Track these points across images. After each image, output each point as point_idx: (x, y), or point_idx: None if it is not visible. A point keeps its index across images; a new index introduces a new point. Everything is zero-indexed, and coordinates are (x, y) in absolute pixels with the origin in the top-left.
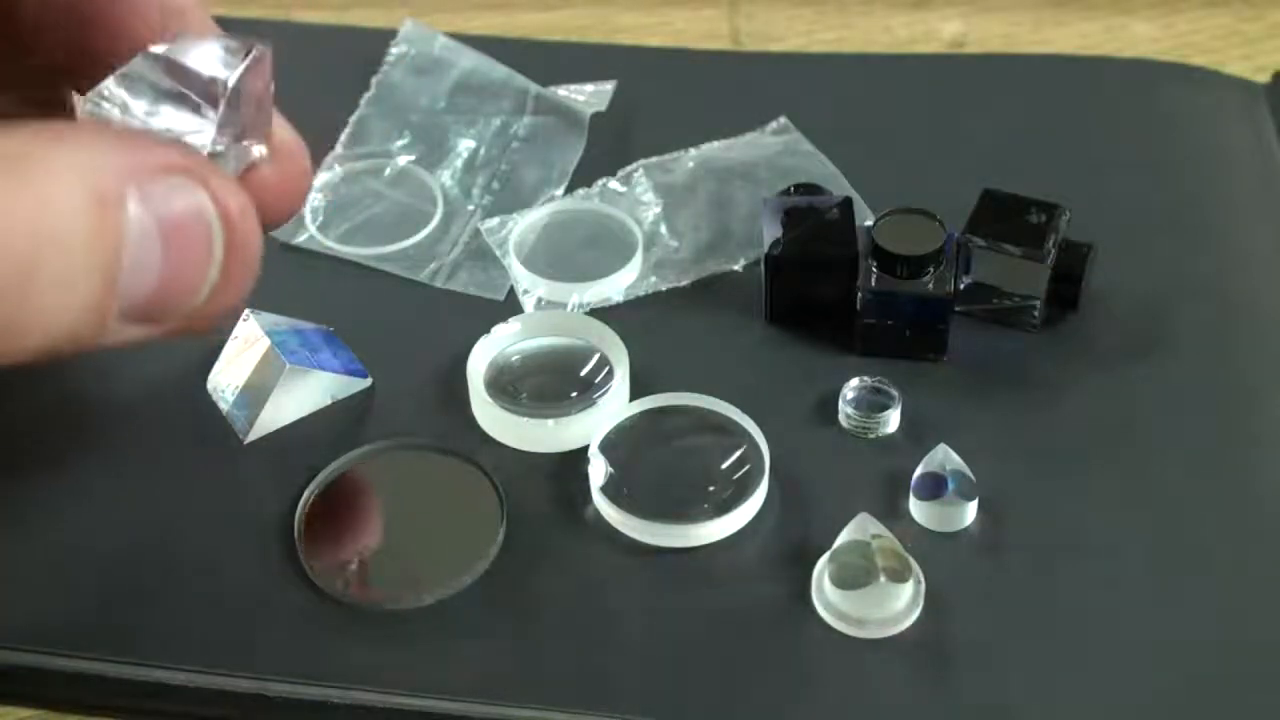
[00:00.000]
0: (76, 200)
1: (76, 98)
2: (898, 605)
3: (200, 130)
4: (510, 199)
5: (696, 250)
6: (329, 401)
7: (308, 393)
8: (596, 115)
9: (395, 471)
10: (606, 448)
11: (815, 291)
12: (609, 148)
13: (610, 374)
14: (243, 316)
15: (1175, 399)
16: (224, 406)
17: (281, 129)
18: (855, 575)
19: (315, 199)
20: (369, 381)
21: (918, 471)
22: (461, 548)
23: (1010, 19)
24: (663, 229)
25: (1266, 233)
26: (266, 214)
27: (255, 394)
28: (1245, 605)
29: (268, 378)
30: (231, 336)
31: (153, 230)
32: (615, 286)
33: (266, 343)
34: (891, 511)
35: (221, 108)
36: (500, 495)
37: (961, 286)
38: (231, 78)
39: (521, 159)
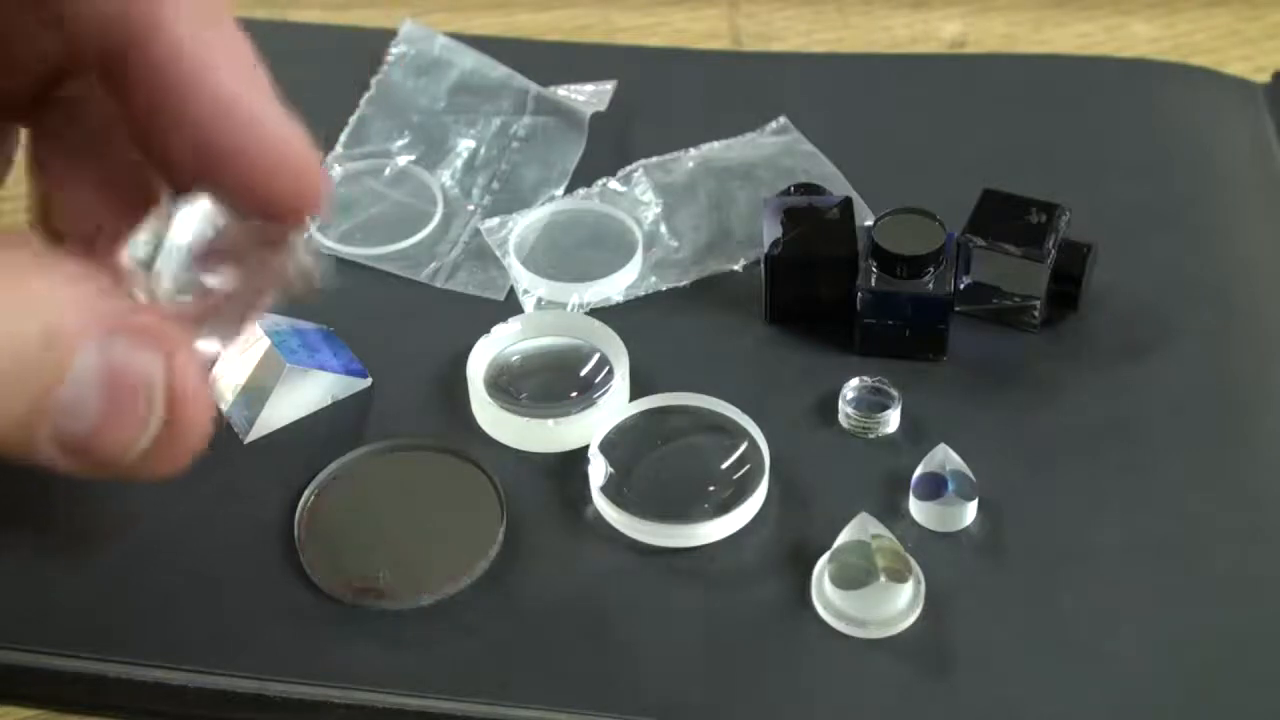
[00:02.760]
0: (28, 331)
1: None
2: (898, 605)
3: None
4: (510, 199)
5: (696, 250)
6: (329, 401)
7: (308, 393)
8: (596, 115)
9: (395, 471)
10: (606, 448)
11: (815, 291)
12: (609, 148)
13: (610, 374)
14: None
15: (1175, 399)
16: (224, 406)
17: (286, 138)
18: (855, 575)
19: None
20: (369, 381)
21: (918, 471)
22: (462, 548)
23: (1010, 19)
24: (663, 229)
25: (1266, 233)
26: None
27: (255, 394)
28: (1245, 605)
29: (268, 378)
30: None
31: (94, 379)
32: (615, 286)
33: (266, 343)
34: (891, 511)
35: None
36: (500, 495)
37: (961, 286)
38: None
39: (521, 159)
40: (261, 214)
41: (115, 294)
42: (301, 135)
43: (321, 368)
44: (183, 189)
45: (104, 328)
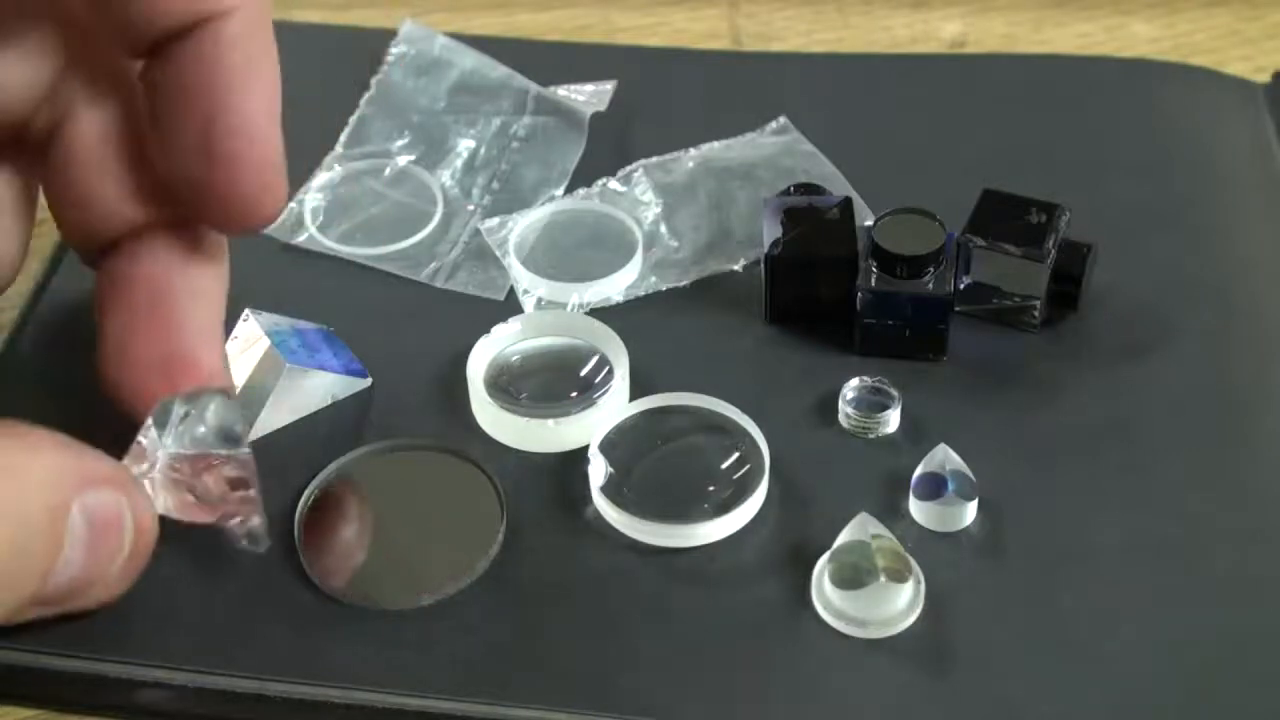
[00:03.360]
0: (38, 514)
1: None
2: (898, 605)
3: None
4: (510, 199)
5: (696, 250)
6: (329, 402)
7: (308, 393)
8: (596, 115)
9: (395, 472)
10: (606, 448)
11: (815, 291)
12: (609, 148)
13: (610, 374)
14: (242, 317)
15: (1175, 399)
16: None
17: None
18: (855, 575)
19: (315, 199)
20: (369, 381)
21: (918, 471)
22: (462, 548)
23: (1010, 19)
24: (663, 229)
25: (1266, 233)
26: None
27: (255, 394)
28: (1245, 605)
29: (267, 378)
30: (231, 337)
31: (83, 534)
32: (615, 286)
33: (266, 343)
34: (891, 511)
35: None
36: (500, 495)
37: (961, 286)
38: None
39: (521, 159)
40: (214, 220)
41: (81, 450)
42: (281, 164)
43: (321, 368)
44: (167, 173)
45: (84, 487)
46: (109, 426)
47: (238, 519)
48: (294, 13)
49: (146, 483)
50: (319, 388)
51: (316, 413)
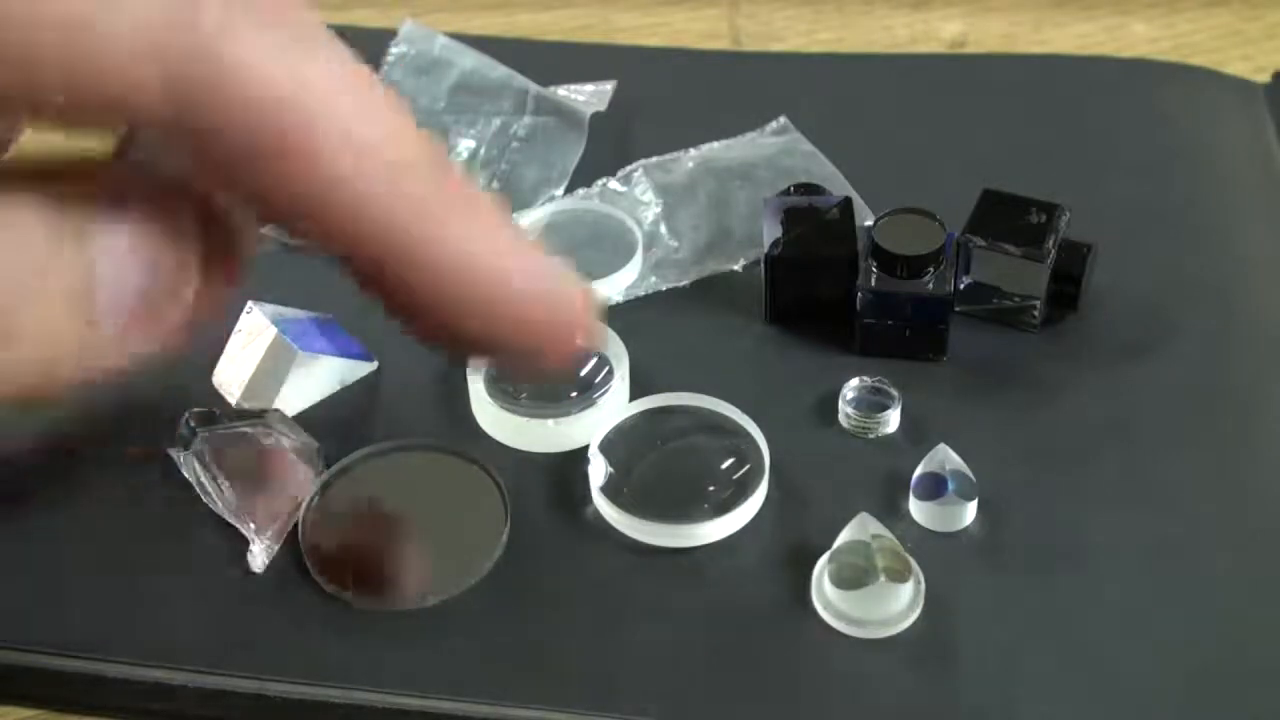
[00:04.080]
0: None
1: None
2: (898, 605)
3: None
4: (510, 199)
5: (696, 250)
6: (338, 387)
7: (318, 378)
8: (596, 115)
9: (398, 472)
10: (606, 448)
11: (815, 291)
12: (609, 148)
13: (610, 374)
14: (245, 309)
15: (1175, 399)
16: (232, 400)
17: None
18: (855, 575)
19: None
20: (375, 364)
21: (918, 471)
22: (466, 550)
23: (1010, 19)
24: (663, 229)
25: (1266, 233)
26: None
27: (266, 383)
28: (1245, 605)
29: (278, 366)
30: (235, 330)
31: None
32: (615, 286)
33: (274, 331)
34: (891, 511)
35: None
36: (504, 497)
37: (961, 286)
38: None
39: (521, 159)
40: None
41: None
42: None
43: (328, 353)
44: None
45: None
46: (116, 421)
47: (254, 531)
48: None
49: (194, 460)
50: (328, 373)
51: (319, 413)
